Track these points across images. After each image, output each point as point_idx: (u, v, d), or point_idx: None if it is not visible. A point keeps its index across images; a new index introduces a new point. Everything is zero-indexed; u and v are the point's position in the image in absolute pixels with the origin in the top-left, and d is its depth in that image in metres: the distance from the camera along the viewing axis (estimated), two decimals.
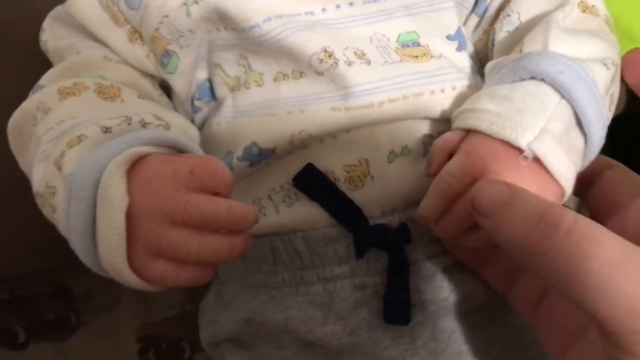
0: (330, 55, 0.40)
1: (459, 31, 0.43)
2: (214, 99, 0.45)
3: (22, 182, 0.42)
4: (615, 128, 0.54)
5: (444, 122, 0.41)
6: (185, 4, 0.41)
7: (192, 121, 0.45)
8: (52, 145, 0.37)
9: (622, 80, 0.51)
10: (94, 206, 0.32)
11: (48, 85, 0.41)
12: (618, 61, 0.41)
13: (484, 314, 0.43)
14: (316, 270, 0.41)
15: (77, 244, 0.33)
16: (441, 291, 0.41)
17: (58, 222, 0.36)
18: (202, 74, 0.44)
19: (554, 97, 0.36)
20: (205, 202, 0.32)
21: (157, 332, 0.60)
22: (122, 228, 0.32)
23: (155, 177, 0.33)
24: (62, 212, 0.34)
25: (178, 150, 0.36)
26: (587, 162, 0.39)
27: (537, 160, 0.35)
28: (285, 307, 0.42)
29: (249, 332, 0.44)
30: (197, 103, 0.45)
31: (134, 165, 0.33)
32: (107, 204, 0.32)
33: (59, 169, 0.35)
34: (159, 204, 0.32)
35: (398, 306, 0.40)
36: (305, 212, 0.40)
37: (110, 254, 0.32)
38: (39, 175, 0.37)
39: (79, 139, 0.35)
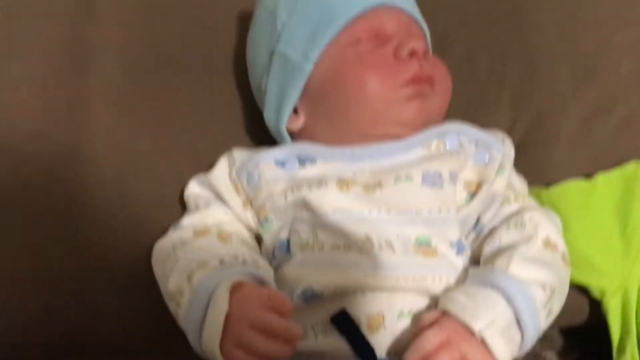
0: (369, 240, 0.60)
1: (459, 241, 0.63)
2: (288, 253, 0.65)
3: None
4: (583, 337, 0.71)
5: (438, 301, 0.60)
6: (284, 192, 0.63)
7: (270, 264, 0.65)
8: (186, 265, 0.58)
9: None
10: (206, 308, 0.53)
11: (186, 226, 0.64)
12: (558, 287, 0.59)
13: None
14: None
15: (191, 330, 0.54)
16: None
17: (179, 315, 0.57)
18: (284, 235, 0.65)
19: (503, 303, 0.56)
20: (274, 318, 0.52)
21: None
22: (221, 324, 0.52)
23: (247, 297, 0.54)
24: (184, 308, 0.55)
25: (262, 282, 0.57)
26: (522, 352, 0.57)
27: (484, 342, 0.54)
28: None
29: None
30: (277, 254, 0.65)
31: (235, 287, 0.54)
32: (215, 308, 0.53)
33: (189, 280, 0.56)
34: (246, 314, 0.53)
35: None
36: (335, 342, 0.58)
37: (210, 340, 0.52)
38: (174, 281, 0.58)
39: (205, 265, 0.57)
